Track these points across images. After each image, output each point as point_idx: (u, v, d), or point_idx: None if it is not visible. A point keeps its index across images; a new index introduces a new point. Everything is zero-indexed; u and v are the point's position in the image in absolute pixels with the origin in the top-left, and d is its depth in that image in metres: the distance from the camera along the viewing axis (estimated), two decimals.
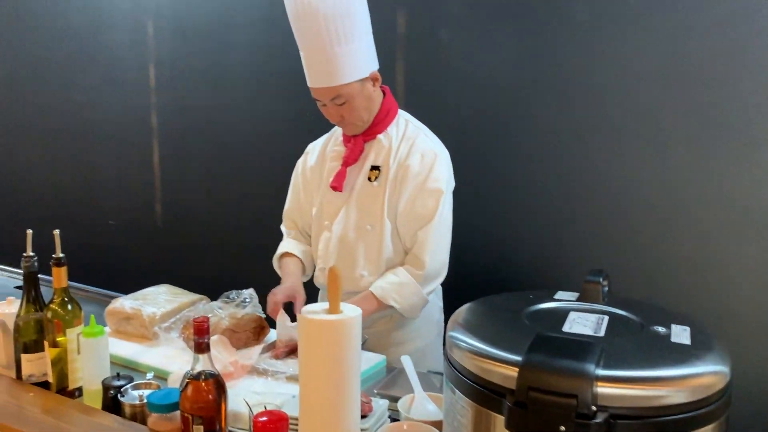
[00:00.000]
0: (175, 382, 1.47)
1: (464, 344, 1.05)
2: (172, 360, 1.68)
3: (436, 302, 1.98)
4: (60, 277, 1.49)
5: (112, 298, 2.06)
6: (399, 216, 1.80)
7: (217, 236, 3.01)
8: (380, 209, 1.79)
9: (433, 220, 1.76)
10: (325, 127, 2.02)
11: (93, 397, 1.45)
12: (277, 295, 1.78)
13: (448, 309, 2.01)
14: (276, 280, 1.96)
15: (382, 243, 1.80)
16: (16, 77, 3.61)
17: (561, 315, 1.13)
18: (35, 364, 1.52)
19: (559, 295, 1.24)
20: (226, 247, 2.99)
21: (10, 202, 3.76)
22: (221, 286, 1.99)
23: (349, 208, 1.84)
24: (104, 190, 3.36)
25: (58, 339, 1.49)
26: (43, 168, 3.60)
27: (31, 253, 1.53)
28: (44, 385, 1.52)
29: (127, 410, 1.37)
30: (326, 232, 1.89)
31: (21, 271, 1.56)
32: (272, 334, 1.82)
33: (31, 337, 1.52)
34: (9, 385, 1.52)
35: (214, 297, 1.95)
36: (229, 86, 2.90)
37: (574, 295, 1.23)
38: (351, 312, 1.13)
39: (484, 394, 0.98)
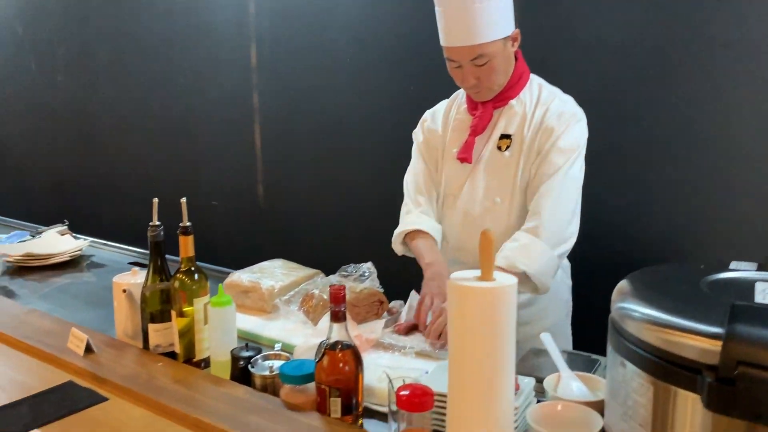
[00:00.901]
0: (301, 355, 1.42)
1: (641, 315, 0.94)
2: (293, 333, 1.64)
3: (565, 280, 1.85)
4: (187, 245, 1.47)
5: (224, 273, 2.05)
6: (530, 182, 1.66)
7: (320, 217, 2.98)
8: (511, 181, 1.68)
9: (557, 174, 1.61)
10: (432, 100, 1.93)
11: (221, 368, 1.42)
12: (432, 296, 1.61)
13: (577, 288, 1.89)
14: (388, 259, 1.87)
15: (512, 217, 1.69)
16: (121, 59, 3.69)
17: (746, 286, 1.00)
18: (162, 335, 1.50)
19: (735, 265, 1.10)
20: (329, 227, 2.95)
21: (118, 182, 3.86)
22: (326, 268, 1.94)
23: (475, 180, 1.73)
24: (207, 170, 3.39)
25: (184, 309, 1.47)
26: (147, 149, 3.68)
27: (157, 222, 1.52)
28: (171, 355, 1.50)
29: (258, 381, 1.32)
30: (450, 206, 1.79)
31: (133, 249, 1.55)
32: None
33: (157, 307, 1.51)
34: (137, 355, 1.51)
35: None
36: (330, 64, 2.85)
37: (752, 265, 1.10)
38: (506, 280, 1.04)
39: (671, 369, 0.87)
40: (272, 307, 1.76)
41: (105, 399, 1.33)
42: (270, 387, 1.32)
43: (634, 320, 0.95)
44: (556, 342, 1.75)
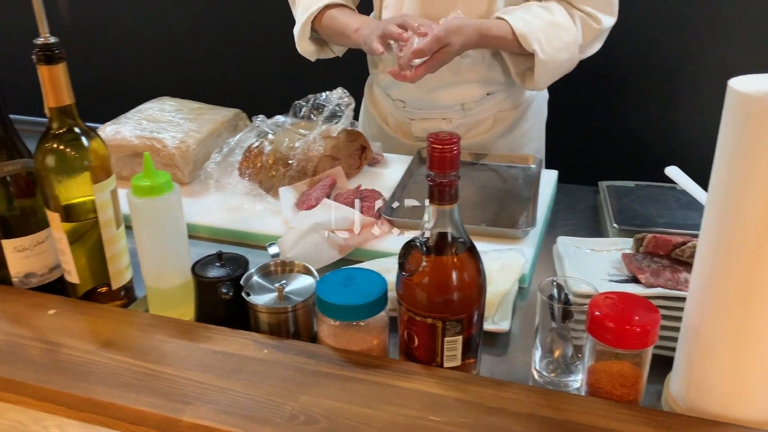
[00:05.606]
0: (290, 251, 0.86)
1: None
2: (249, 215, 1.02)
3: None
4: (57, 84, 0.75)
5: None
6: None
7: (185, 28, 2.14)
8: None
9: None
10: None
11: (166, 300, 0.80)
12: (381, 29, 1.04)
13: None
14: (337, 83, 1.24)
15: None
16: None
17: None
18: (33, 255, 0.81)
19: None
20: (195, 37, 2.15)
21: None
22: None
23: None
24: None
25: (70, 202, 0.79)
26: None
27: None
28: (52, 288, 0.83)
29: (264, 318, 0.73)
30: None
31: None
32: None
33: (6, 207, 0.80)
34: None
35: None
36: None
37: None
38: None
39: None
40: (190, 174, 1.10)
41: None
42: (287, 326, 0.74)
43: None
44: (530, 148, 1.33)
